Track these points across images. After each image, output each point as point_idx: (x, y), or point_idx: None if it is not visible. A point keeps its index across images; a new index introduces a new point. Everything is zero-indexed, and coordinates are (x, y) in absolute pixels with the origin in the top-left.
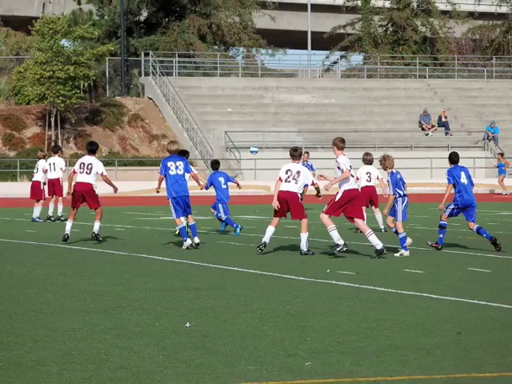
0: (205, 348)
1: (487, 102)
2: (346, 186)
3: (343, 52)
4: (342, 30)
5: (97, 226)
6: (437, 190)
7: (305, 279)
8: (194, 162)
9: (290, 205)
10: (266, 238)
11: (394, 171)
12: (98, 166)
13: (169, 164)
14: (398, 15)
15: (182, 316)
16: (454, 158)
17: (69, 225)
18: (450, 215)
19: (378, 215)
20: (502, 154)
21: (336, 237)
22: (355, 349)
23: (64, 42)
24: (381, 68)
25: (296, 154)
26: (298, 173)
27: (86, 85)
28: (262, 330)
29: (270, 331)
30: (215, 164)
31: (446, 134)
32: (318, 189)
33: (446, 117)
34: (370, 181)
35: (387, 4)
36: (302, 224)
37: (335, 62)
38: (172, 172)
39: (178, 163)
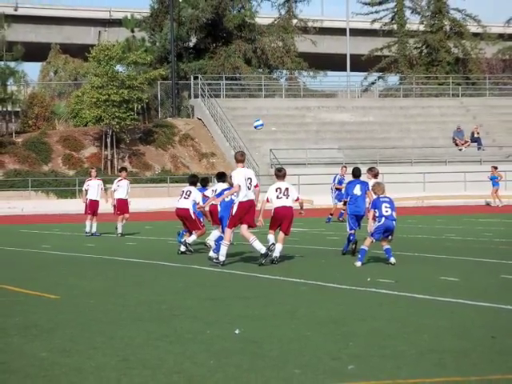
0: (253, 353)
1: None
2: (240, 199)
3: (380, 73)
4: (379, 53)
5: (192, 238)
6: (469, 202)
7: (346, 287)
8: None
9: (284, 219)
10: (277, 253)
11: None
12: (195, 195)
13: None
14: (431, 38)
15: (232, 323)
16: (355, 173)
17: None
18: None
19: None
20: (495, 168)
21: (259, 247)
22: (395, 353)
23: (118, 68)
24: (416, 88)
25: (280, 173)
26: (287, 189)
27: (139, 107)
28: (306, 336)
29: (314, 337)
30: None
31: (479, 148)
32: (301, 204)
33: (478, 133)
34: None
35: (421, 27)
36: (284, 237)
37: (373, 83)
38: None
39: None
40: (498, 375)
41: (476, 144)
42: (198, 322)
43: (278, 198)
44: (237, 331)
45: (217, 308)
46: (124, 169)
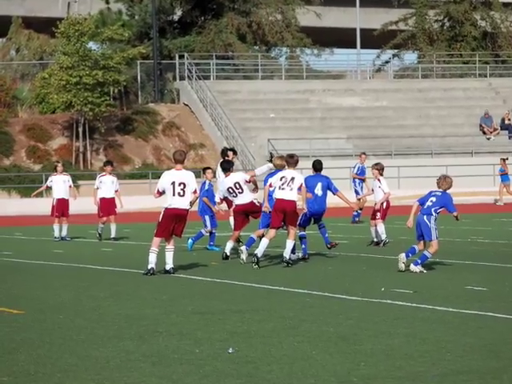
0: (249, 376)
1: None
2: (166, 205)
3: (395, 50)
4: (393, 27)
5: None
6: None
7: (357, 299)
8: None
9: (285, 213)
10: (259, 252)
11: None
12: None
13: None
14: (455, 9)
15: (225, 341)
16: (317, 166)
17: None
18: (299, 224)
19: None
20: (504, 160)
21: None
22: (413, 374)
23: (91, 45)
24: (437, 67)
25: (292, 160)
26: (292, 179)
27: (116, 91)
28: (311, 355)
29: (320, 356)
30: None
31: (510, 137)
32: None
33: (509, 119)
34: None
35: None
36: (290, 231)
37: (387, 62)
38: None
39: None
40: None
41: (507, 132)
42: (186, 340)
43: (280, 188)
44: (230, 350)
45: (207, 323)
46: (109, 163)
